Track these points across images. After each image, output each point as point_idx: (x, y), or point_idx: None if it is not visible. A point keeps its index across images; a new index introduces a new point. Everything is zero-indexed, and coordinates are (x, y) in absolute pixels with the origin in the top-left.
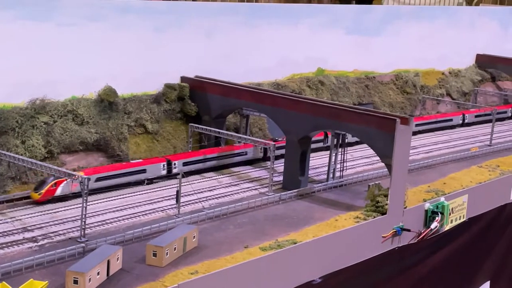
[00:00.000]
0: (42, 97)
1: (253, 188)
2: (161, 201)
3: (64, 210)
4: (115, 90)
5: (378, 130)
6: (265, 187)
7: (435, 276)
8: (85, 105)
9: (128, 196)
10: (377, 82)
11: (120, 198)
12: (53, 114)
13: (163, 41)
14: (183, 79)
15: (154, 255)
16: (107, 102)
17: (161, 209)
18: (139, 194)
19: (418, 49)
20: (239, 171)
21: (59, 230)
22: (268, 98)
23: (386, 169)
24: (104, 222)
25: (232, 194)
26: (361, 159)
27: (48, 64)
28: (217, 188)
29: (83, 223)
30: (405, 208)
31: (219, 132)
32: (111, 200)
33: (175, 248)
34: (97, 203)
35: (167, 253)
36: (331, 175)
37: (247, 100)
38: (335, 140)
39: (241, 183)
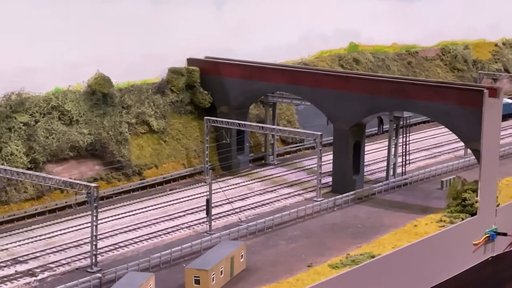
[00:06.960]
0: (18, 90)
1: (295, 193)
2: (183, 215)
3: (60, 234)
4: (109, 79)
5: (460, 107)
6: (310, 191)
7: None
8: (72, 99)
9: (140, 213)
10: (421, 58)
11: (129, 216)
12: (34, 112)
13: (163, 15)
14: (191, 61)
15: (197, 282)
16: (100, 94)
17: (186, 225)
18: (151, 210)
19: (464, 15)
20: (270, 175)
21: (60, 259)
22: (307, 77)
23: (457, 162)
24: (117, 246)
25: (271, 203)
26: (418, 152)
27: (22, 48)
28: (251, 196)
29: (93, 247)
30: (498, 205)
31: (244, 125)
32: (119, 218)
33: (221, 272)
34: (102, 223)
35: (213, 278)
36: (391, 172)
37: (278, 82)
38: (394, 126)
39: (278, 189)
